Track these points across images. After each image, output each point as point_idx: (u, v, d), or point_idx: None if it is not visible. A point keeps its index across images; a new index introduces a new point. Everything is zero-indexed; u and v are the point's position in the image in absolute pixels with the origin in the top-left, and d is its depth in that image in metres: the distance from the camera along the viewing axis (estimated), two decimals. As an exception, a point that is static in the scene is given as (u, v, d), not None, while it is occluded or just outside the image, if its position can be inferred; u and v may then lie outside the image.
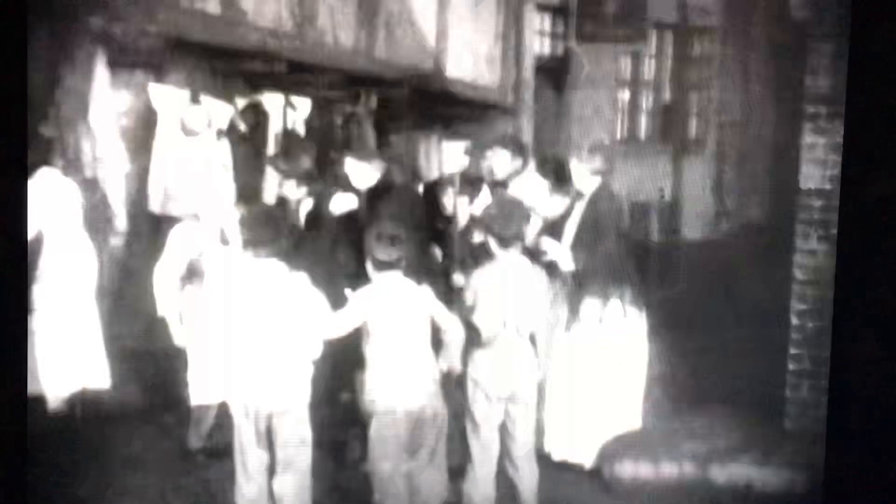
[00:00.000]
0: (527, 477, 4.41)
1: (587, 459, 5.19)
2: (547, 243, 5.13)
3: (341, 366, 4.63)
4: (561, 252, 5.14)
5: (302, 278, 4.21)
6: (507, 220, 4.41)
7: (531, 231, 5.25)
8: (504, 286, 4.34)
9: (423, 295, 4.28)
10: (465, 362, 4.42)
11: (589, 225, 5.18)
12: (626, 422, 5.26)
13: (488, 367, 4.35)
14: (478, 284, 4.37)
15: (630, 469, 5.01)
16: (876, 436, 4.54)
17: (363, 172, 5.31)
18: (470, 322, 4.36)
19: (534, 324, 4.40)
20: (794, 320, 5.36)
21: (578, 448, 5.22)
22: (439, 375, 4.32)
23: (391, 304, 4.22)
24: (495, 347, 4.35)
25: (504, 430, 4.39)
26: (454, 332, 4.33)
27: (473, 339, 4.40)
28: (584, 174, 5.23)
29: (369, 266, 4.27)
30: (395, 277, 4.25)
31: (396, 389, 4.19)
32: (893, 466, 4.54)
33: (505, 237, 4.37)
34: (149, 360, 5.71)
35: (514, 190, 5.54)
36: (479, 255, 5.12)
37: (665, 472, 5.00)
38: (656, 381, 5.38)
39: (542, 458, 4.86)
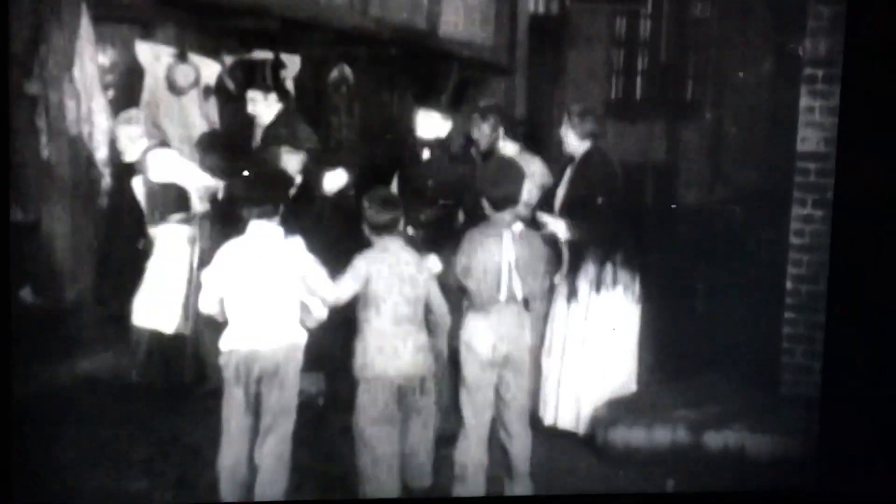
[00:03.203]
0: (520, 443, 4.37)
1: (581, 425, 5.17)
2: (543, 216, 5.07)
3: (333, 330, 4.57)
4: (557, 223, 5.09)
5: (297, 242, 4.15)
6: (499, 182, 4.33)
7: (530, 200, 5.22)
8: (499, 249, 4.26)
9: (425, 267, 4.26)
10: (458, 326, 4.37)
11: (580, 189, 5.12)
12: (621, 387, 5.24)
13: (482, 332, 4.29)
14: (470, 247, 4.29)
15: (623, 435, 5.00)
16: (870, 401, 4.55)
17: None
18: (463, 285, 4.30)
19: (529, 288, 4.32)
20: (790, 285, 5.35)
21: (572, 414, 5.20)
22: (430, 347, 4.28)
23: (392, 269, 4.17)
24: (490, 311, 4.28)
25: (497, 396, 4.34)
26: (442, 318, 4.31)
27: (467, 302, 4.35)
28: (574, 138, 5.16)
29: (366, 230, 4.21)
30: (396, 242, 4.20)
31: (388, 356, 4.15)
32: (887, 432, 4.55)
33: (498, 199, 4.29)
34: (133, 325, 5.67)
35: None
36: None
37: (659, 439, 5.00)
38: (650, 348, 5.35)
39: (536, 424, 4.85)
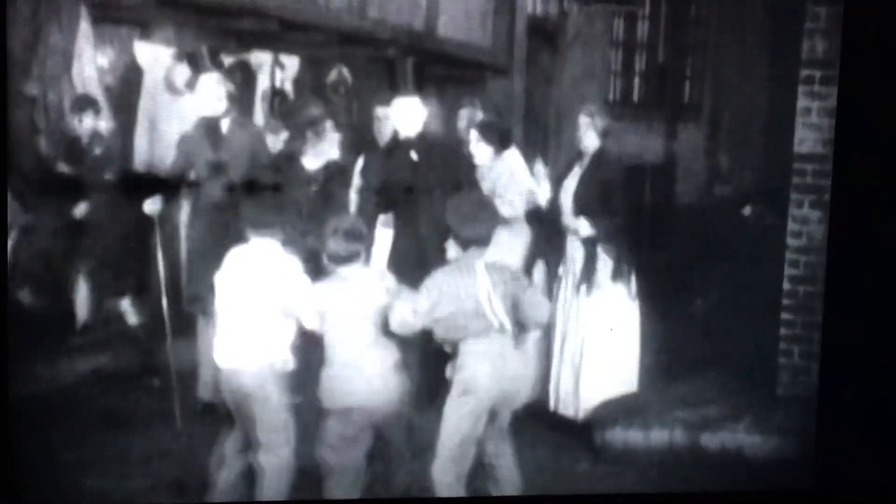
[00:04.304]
0: (507, 458, 4.23)
1: (580, 414, 5.18)
2: (565, 216, 5.14)
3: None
4: (578, 221, 5.13)
5: (293, 262, 4.10)
6: (470, 223, 4.15)
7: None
8: (473, 285, 4.10)
9: (385, 287, 4.11)
10: (449, 367, 4.21)
11: (593, 186, 5.13)
12: (619, 387, 5.24)
13: (483, 375, 4.09)
14: (440, 294, 4.10)
15: (621, 436, 4.99)
16: (866, 402, 4.56)
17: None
18: (438, 335, 4.15)
19: (511, 321, 4.15)
20: (787, 286, 5.34)
21: (573, 406, 5.21)
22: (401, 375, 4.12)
23: (348, 298, 4.05)
24: (487, 347, 4.11)
25: (486, 426, 4.15)
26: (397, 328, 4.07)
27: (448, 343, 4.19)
28: (593, 135, 5.17)
29: (325, 259, 4.10)
30: (354, 270, 4.08)
31: (353, 388, 4.00)
32: (884, 432, 4.55)
33: (467, 240, 4.15)
34: (134, 322, 5.68)
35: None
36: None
37: (656, 440, 4.99)
38: (647, 348, 5.35)
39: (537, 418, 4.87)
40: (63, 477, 4.44)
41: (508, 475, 4.25)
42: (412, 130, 5.13)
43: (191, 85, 5.35)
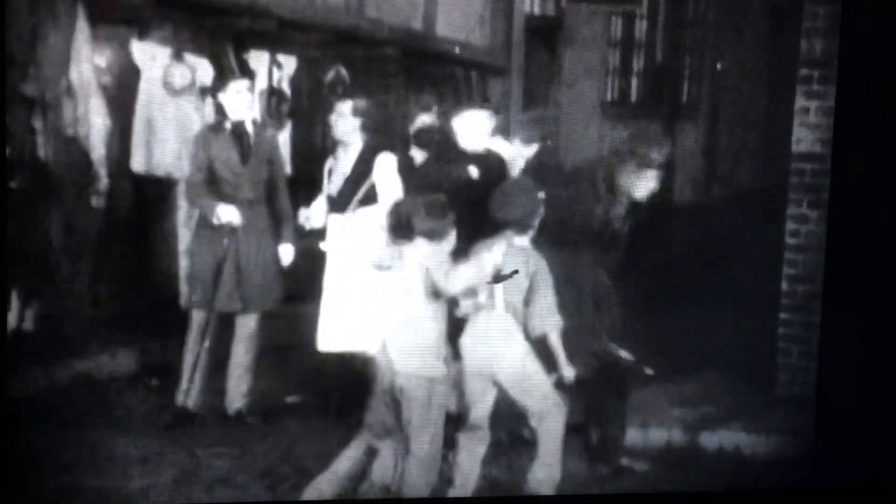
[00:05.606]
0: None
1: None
2: None
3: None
4: None
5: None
6: (504, 206, 4.23)
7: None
8: (487, 256, 4.16)
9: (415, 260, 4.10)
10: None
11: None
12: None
13: (468, 346, 4.19)
14: (467, 257, 4.17)
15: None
16: (865, 401, 4.55)
17: None
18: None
19: (517, 301, 4.22)
20: (785, 285, 5.35)
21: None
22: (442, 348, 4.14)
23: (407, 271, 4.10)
24: (474, 322, 4.20)
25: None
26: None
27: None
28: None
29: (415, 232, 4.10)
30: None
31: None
32: (882, 431, 4.55)
33: (498, 221, 4.22)
34: (134, 322, 5.68)
35: None
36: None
37: (654, 439, 4.98)
38: (646, 347, 5.33)
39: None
40: (62, 477, 4.43)
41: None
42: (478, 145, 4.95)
43: (218, 88, 5.32)
